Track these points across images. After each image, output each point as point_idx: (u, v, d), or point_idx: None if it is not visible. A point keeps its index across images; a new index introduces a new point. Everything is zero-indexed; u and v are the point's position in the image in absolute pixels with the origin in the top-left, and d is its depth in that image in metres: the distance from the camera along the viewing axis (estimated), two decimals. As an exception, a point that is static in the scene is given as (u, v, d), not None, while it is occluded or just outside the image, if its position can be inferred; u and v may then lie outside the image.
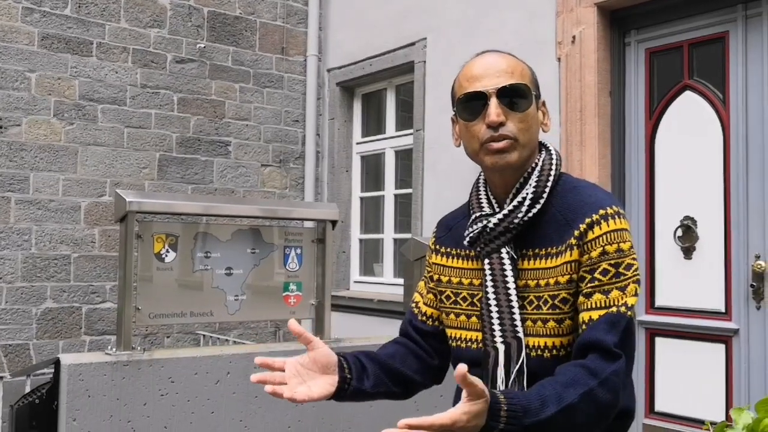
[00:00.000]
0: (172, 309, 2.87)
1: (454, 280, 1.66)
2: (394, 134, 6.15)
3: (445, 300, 1.68)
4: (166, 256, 2.87)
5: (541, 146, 1.62)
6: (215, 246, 3.01)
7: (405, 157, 6.03)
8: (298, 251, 3.24)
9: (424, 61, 5.56)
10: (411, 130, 5.77)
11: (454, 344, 1.65)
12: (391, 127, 6.21)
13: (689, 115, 3.99)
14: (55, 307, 5.34)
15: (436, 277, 1.71)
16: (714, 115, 3.89)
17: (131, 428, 2.60)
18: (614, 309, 1.43)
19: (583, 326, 1.45)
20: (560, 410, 1.30)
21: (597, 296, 1.44)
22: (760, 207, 3.68)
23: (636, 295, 1.45)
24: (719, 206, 3.85)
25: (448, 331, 1.67)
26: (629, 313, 1.43)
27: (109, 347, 2.71)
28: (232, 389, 2.84)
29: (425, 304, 1.75)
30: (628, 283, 1.45)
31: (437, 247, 1.74)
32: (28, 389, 3.43)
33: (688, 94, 4.01)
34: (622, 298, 1.44)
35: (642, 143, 4.19)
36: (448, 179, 5.18)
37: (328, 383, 1.50)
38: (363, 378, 1.57)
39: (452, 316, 1.65)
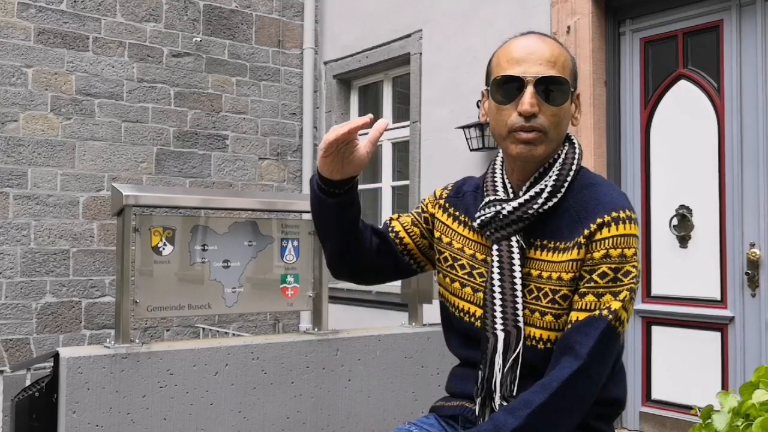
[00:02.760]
0: (170, 302, 2.88)
1: (456, 245, 1.65)
2: (391, 126, 6.16)
3: (442, 261, 1.67)
4: (164, 249, 2.88)
5: (566, 138, 1.59)
6: (212, 239, 3.01)
7: (402, 149, 6.05)
8: (295, 243, 3.25)
9: (420, 53, 5.56)
10: (407, 122, 5.78)
11: (453, 311, 1.64)
12: (387, 119, 6.21)
13: (684, 104, 4.00)
14: (55, 301, 5.36)
15: (437, 234, 1.70)
16: (709, 104, 3.90)
17: (131, 420, 2.62)
18: (597, 312, 1.43)
19: (568, 325, 1.45)
20: None
21: (589, 297, 1.45)
22: (754, 195, 3.70)
23: (623, 301, 1.43)
24: (714, 195, 3.86)
25: (449, 297, 1.66)
26: (610, 317, 1.42)
27: (108, 340, 2.72)
28: (231, 381, 2.86)
29: (400, 223, 1.78)
30: (622, 290, 1.44)
31: (446, 204, 1.71)
32: (28, 383, 3.46)
33: (682, 84, 4.02)
34: (610, 303, 1.43)
35: (637, 132, 4.20)
36: (445, 170, 5.19)
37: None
38: (353, 202, 1.69)
39: (448, 280, 1.65)
